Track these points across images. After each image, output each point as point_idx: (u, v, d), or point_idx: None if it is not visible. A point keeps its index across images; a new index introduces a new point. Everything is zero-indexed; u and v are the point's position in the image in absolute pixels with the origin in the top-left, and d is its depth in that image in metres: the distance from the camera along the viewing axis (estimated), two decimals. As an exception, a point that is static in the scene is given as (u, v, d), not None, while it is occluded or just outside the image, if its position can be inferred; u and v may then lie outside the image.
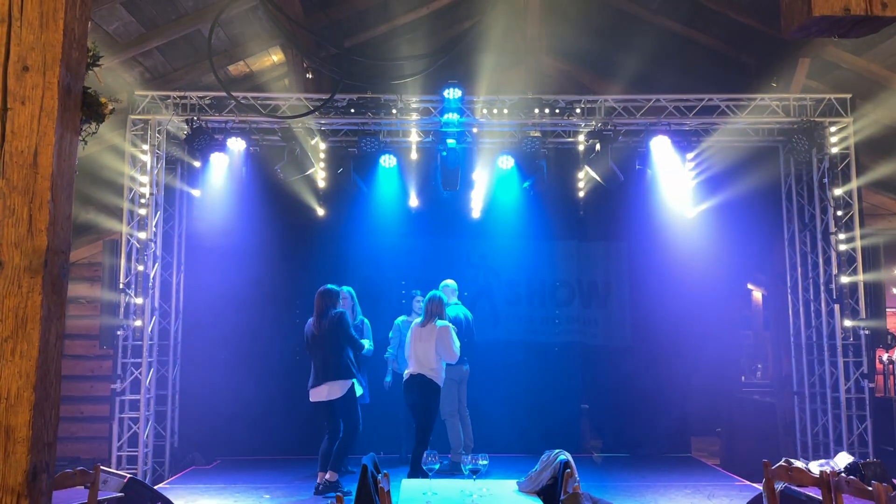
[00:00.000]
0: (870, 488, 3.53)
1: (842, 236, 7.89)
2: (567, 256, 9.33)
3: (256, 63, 8.47)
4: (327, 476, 6.69)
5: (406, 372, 7.01)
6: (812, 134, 7.72)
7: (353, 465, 7.23)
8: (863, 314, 7.70)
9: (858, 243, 7.82)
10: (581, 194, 8.93)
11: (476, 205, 8.91)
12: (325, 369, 6.71)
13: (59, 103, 2.29)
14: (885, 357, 7.96)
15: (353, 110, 7.91)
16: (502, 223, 9.10)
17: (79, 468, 4.06)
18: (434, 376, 6.85)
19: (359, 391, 6.98)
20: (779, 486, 4.51)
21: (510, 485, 4.38)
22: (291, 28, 6.90)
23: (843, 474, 4.01)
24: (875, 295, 7.77)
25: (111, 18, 6.74)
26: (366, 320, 7.78)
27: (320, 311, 6.81)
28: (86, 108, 2.55)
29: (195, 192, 8.58)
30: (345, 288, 7.54)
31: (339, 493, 6.44)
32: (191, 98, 7.89)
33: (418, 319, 7.14)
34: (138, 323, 7.67)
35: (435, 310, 7.03)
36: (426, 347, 6.86)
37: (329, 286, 6.98)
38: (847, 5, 2.54)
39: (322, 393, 6.71)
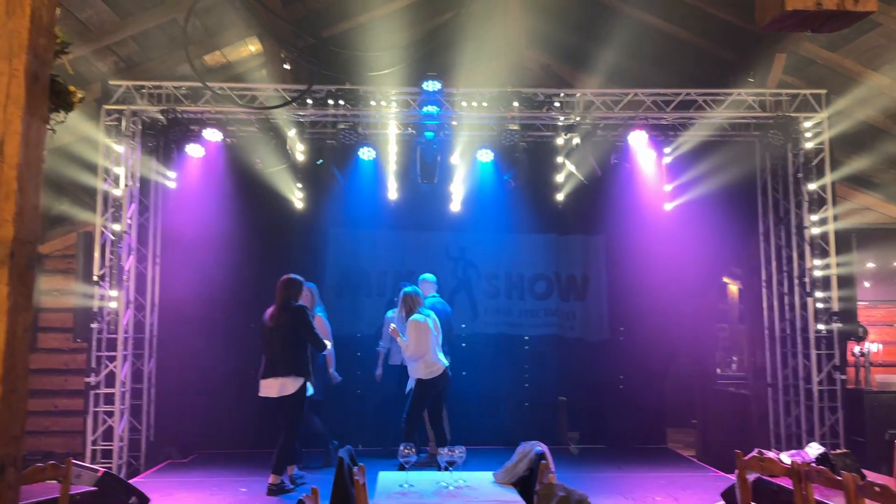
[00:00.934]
0: (839, 478, 3.58)
1: (815, 231, 7.99)
2: (546, 250, 9.36)
3: (233, 53, 8.39)
4: (270, 479, 6.44)
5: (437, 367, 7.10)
6: (787, 129, 7.80)
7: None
8: (835, 307, 7.80)
9: (832, 237, 7.92)
10: (560, 188, 8.95)
11: (455, 197, 8.90)
12: (277, 363, 6.43)
13: (26, 91, 2.25)
14: (856, 349, 8.08)
15: (331, 102, 7.85)
16: (481, 216, 9.11)
17: (50, 462, 4.01)
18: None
19: (310, 391, 6.66)
20: (751, 477, 4.57)
21: (486, 476, 4.39)
22: (268, 18, 6.84)
23: (813, 465, 4.06)
24: (847, 288, 7.89)
25: (84, 6, 6.63)
26: (324, 316, 7.59)
27: (281, 302, 6.55)
28: (54, 97, 2.51)
29: (171, 184, 8.48)
30: (308, 284, 7.42)
31: (289, 489, 6.43)
32: (166, 88, 7.79)
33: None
34: (113, 314, 7.58)
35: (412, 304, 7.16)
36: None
37: (293, 276, 6.72)
38: (819, 0, 2.57)
39: (272, 388, 6.42)
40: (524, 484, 4.21)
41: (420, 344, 6.97)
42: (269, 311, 6.69)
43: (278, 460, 6.47)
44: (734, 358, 13.55)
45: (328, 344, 6.92)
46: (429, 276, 8.18)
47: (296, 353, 6.46)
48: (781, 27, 2.58)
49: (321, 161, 8.32)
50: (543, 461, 4.02)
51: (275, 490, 6.42)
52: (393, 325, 7.22)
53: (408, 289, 7.31)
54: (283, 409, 6.51)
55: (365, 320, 8.95)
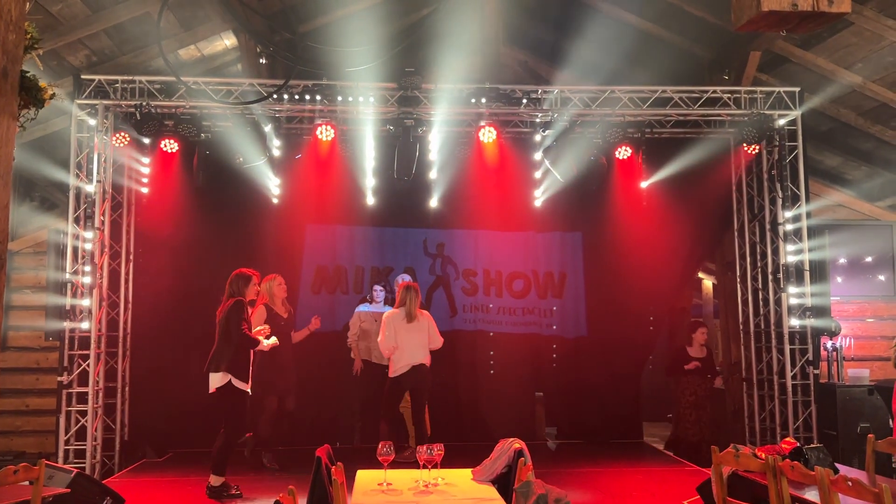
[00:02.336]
0: (813, 473, 3.63)
1: (789, 227, 8.09)
2: (524, 247, 9.36)
3: (208, 48, 8.29)
4: (210, 480, 6.29)
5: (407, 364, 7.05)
6: (762, 126, 7.88)
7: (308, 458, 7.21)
8: (809, 303, 7.92)
9: (805, 233, 8.03)
10: (537, 185, 8.97)
11: (433, 194, 8.88)
12: (209, 358, 6.34)
13: (-5, 87, 2.20)
14: (829, 344, 8.20)
15: (308, 97, 7.78)
16: (460, 213, 9.11)
17: (22, 463, 3.95)
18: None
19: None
20: (727, 471, 4.62)
21: (465, 474, 4.40)
22: (244, 12, 6.76)
23: (787, 459, 4.12)
24: (820, 284, 8.01)
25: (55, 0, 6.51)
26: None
27: (226, 296, 6.42)
28: (24, 93, 2.46)
29: (144, 180, 8.37)
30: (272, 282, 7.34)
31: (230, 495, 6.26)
32: (140, 83, 7.68)
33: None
34: (86, 312, 7.47)
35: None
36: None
37: (242, 270, 6.55)
38: (795, 1, 2.59)
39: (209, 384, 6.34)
40: (503, 481, 4.22)
41: (385, 339, 6.93)
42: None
43: (215, 460, 6.29)
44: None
45: (264, 341, 6.53)
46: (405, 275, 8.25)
47: (219, 348, 6.29)
48: (757, 27, 2.61)
49: (300, 155, 8.24)
50: (522, 458, 4.04)
51: (213, 491, 6.27)
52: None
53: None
54: (215, 407, 6.39)
55: (341, 317, 8.90)
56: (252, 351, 6.49)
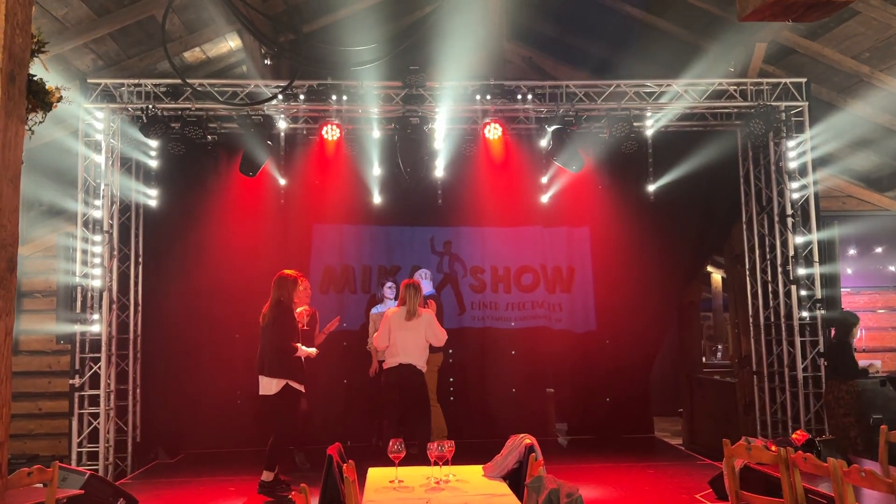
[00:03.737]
0: (825, 464, 3.62)
1: (798, 218, 8.06)
2: (531, 242, 9.35)
3: (213, 50, 8.31)
4: (263, 476, 6.38)
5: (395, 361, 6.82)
6: (769, 118, 7.84)
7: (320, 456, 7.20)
8: (818, 294, 7.88)
9: (814, 225, 7.99)
10: (544, 180, 8.96)
11: (439, 191, 8.87)
12: (262, 362, 6.45)
13: (3, 91, 2.21)
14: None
15: (313, 97, 7.80)
16: (466, 210, 9.11)
17: (36, 465, 3.97)
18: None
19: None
20: (739, 465, 4.61)
21: (476, 470, 4.40)
22: (248, 13, 6.76)
23: (799, 451, 4.10)
24: (830, 275, 7.97)
25: (59, 4, 6.53)
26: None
27: (273, 301, 6.51)
28: (32, 97, 2.47)
29: (152, 182, 8.41)
30: None
31: (287, 491, 6.36)
32: (146, 86, 7.71)
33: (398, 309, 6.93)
34: (96, 317, 7.51)
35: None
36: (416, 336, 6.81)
37: (286, 272, 6.65)
38: (800, -11, 2.58)
39: (260, 386, 6.45)
40: (514, 477, 4.22)
41: (380, 336, 6.83)
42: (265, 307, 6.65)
43: (269, 457, 6.41)
44: (719, 346, 13.68)
45: (302, 348, 6.61)
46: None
47: (276, 353, 6.40)
48: (763, 17, 2.58)
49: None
50: (533, 454, 4.03)
51: (265, 487, 6.36)
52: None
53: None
54: (271, 409, 6.50)
55: (349, 316, 8.92)
56: None
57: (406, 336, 6.75)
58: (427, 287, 7.92)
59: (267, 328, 6.47)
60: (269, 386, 6.40)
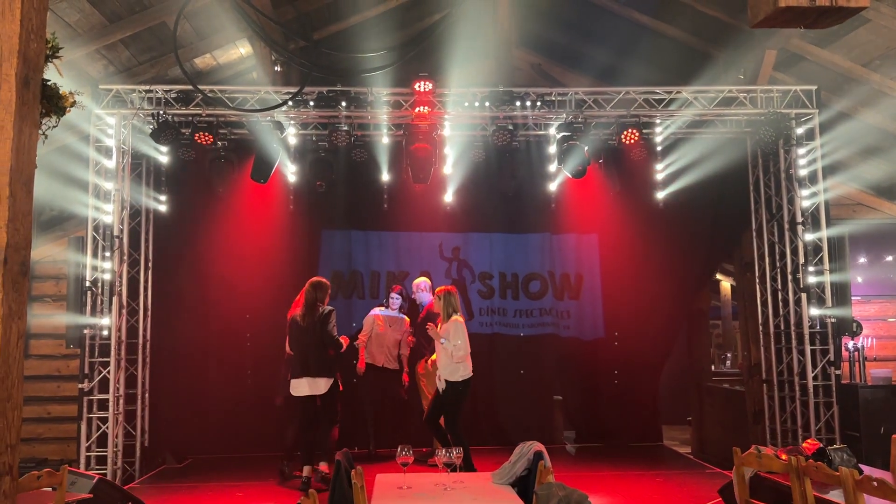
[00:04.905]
0: (837, 473, 3.59)
1: (808, 226, 8.02)
2: (539, 249, 9.35)
3: (224, 56, 8.35)
4: (321, 467, 6.77)
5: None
6: (779, 125, 7.81)
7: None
8: (829, 303, 7.83)
9: (825, 233, 7.95)
10: (552, 187, 8.95)
11: (448, 198, 8.89)
12: (308, 363, 6.69)
13: (17, 96, 2.23)
14: (850, 344, 8.11)
15: (322, 103, 7.83)
16: (475, 216, 9.11)
17: (45, 469, 3.98)
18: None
19: None
20: (749, 473, 4.58)
21: (484, 476, 4.39)
22: (259, 20, 6.80)
23: (810, 460, 4.07)
24: (840, 284, 7.92)
25: (72, 10, 6.58)
26: None
27: (310, 303, 6.79)
28: (45, 102, 2.49)
29: (162, 188, 8.45)
30: None
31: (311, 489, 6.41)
32: (156, 92, 7.75)
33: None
34: (105, 321, 7.54)
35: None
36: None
37: (321, 279, 7.03)
38: (812, -4, 2.57)
39: (304, 387, 6.69)
40: (522, 484, 4.21)
41: (468, 344, 6.72)
42: (297, 312, 6.85)
43: (330, 450, 6.72)
44: (728, 354, 13.62)
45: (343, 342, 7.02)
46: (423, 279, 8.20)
47: (324, 353, 6.75)
48: (774, 24, 2.58)
49: (322, 184, 8.20)
50: (542, 461, 4.02)
51: (328, 479, 6.34)
52: (430, 325, 6.77)
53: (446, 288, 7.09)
54: (317, 407, 6.77)
55: (358, 322, 8.92)
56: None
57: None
58: (427, 298, 7.92)
59: (310, 329, 6.72)
60: (317, 385, 6.70)
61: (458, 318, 6.72)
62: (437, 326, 6.75)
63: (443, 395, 6.69)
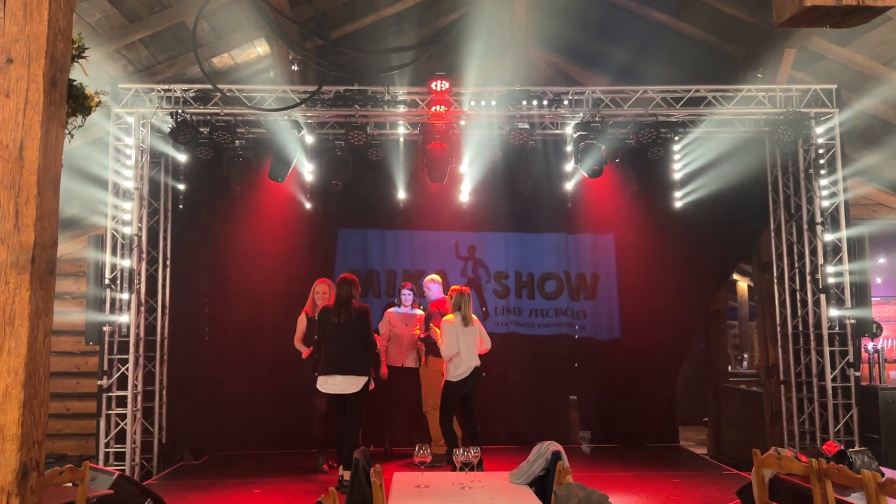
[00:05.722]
0: (858, 476, 3.56)
1: (827, 226, 7.94)
2: (556, 248, 9.32)
3: (241, 55, 8.40)
4: (346, 475, 6.47)
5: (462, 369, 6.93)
6: (798, 125, 7.75)
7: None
8: (848, 304, 7.76)
9: (844, 233, 7.87)
10: (569, 186, 8.93)
11: (464, 197, 8.89)
12: (341, 361, 6.62)
13: (45, 96, 2.25)
14: (870, 346, 8.03)
15: (339, 103, 7.84)
16: (491, 215, 9.11)
17: (67, 465, 4.02)
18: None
19: None
20: (768, 475, 4.55)
21: (501, 476, 4.38)
22: (276, 19, 6.83)
23: (832, 462, 4.04)
24: (860, 284, 7.84)
25: (93, 10, 6.65)
26: None
27: (343, 300, 6.72)
28: (71, 101, 2.52)
29: (180, 186, 8.51)
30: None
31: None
32: (175, 91, 7.81)
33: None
34: (124, 319, 7.60)
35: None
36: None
37: (350, 275, 6.98)
38: (838, -5, 2.55)
39: (336, 385, 6.62)
40: (540, 484, 4.20)
41: (454, 345, 6.91)
42: (326, 308, 6.85)
43: (350, 455, 6.48)
44: (745, 356, 13.53)
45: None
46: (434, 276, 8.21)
47: (359, 351, 6.69)
48: (799, 23, 2.56)
49: (337, 183, 8.23)
50: (560, 460, 4.01)
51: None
52: (432, 325, 7.28)
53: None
54: (348, 406, 6.66)
55: (373, 321, 8.94)
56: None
57: (470, 342, 6.96)
58: (437, 292, 7.98)
59: (346, 326, 6.64)
60: (352, 383, 6.61)
61: (448, 318, 7.00)
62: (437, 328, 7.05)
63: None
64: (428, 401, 7.77)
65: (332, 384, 6.63)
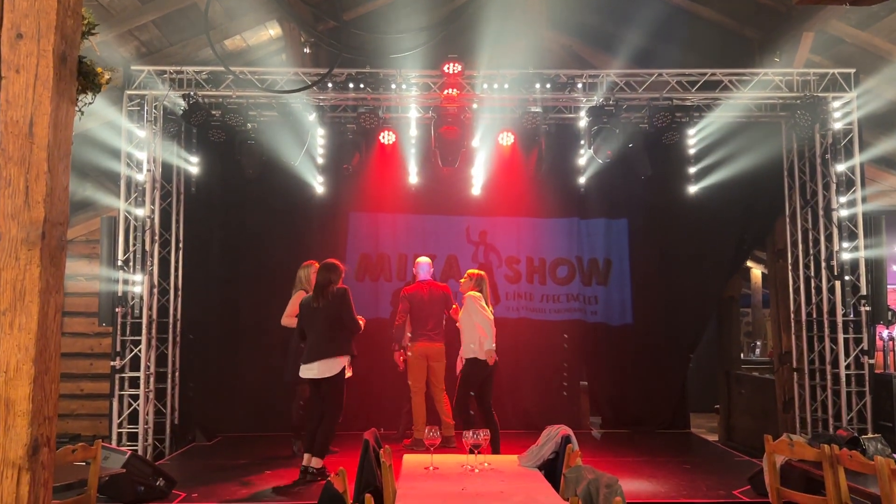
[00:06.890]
0: (871, 462, 3.53)
1: (843, 213, 7.85)
2: (568, 233, 9.28)
3: (253, 37, 8.37)
4: (312, 462, 6.31)
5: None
6: (815, 109, 7.65)
7: (355, 441, 7.18)
8: (864, 291, 7.68)
9: (860, 220, 7.78)
10: (582, 170, 8.87)
11: (476, 181, 8.85)
12: (320, 346, 6.39)
13: (55, 72, 2.24)
14: (885, 333, 7.95)
15: (351, 85, 7.81)
16: (502, 200, 9.06)
17: (79, 444, 4.05)
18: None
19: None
20: (780, 461, 4.53)
21: (511, 459, 4.38)
22: (289, 1, 6.81)
23: (844, 448, 4.01)
24: (876, 271, 7.75)
25: (106, -9, 6.64)
26: None
27: (321, 285, 6.53)
28: (82, 78, 2.50)
29: (192, 168, 8.51)
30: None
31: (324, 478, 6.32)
32: (187, 73, 7.80)
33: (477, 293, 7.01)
34: (138, 299, 7.64)
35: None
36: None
37: (333, 260, 6.72)
38: (860, -28, 2.49)
39: (313, 370, 6.37)
40: (549, 467, 4.19)
41: (484, 316, 6.87)
42: (308, 295, 6.70)
43: (322, 444, 6.35)
44: (757, 343, 13.46)
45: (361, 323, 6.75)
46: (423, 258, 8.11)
47: (336, 334, 6.42)
48: (819, 1, 2.50)
49: (348, 166, 8.19)
50: (570, 444, 4.01)
51: (316, 475, 6.25)
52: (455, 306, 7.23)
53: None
54: (322, 392, 6.41)
55: (384, 304, 8.97)
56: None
57: (490, 323, 6.90)
58: (423, 274, 7.87)
59: (322, 311, 6.40)
60: (325, 367, 6.32)
61: (475, 294, 6.96)
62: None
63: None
64: (418, 383, 7.71)
65: (309, 370, 6.39)
